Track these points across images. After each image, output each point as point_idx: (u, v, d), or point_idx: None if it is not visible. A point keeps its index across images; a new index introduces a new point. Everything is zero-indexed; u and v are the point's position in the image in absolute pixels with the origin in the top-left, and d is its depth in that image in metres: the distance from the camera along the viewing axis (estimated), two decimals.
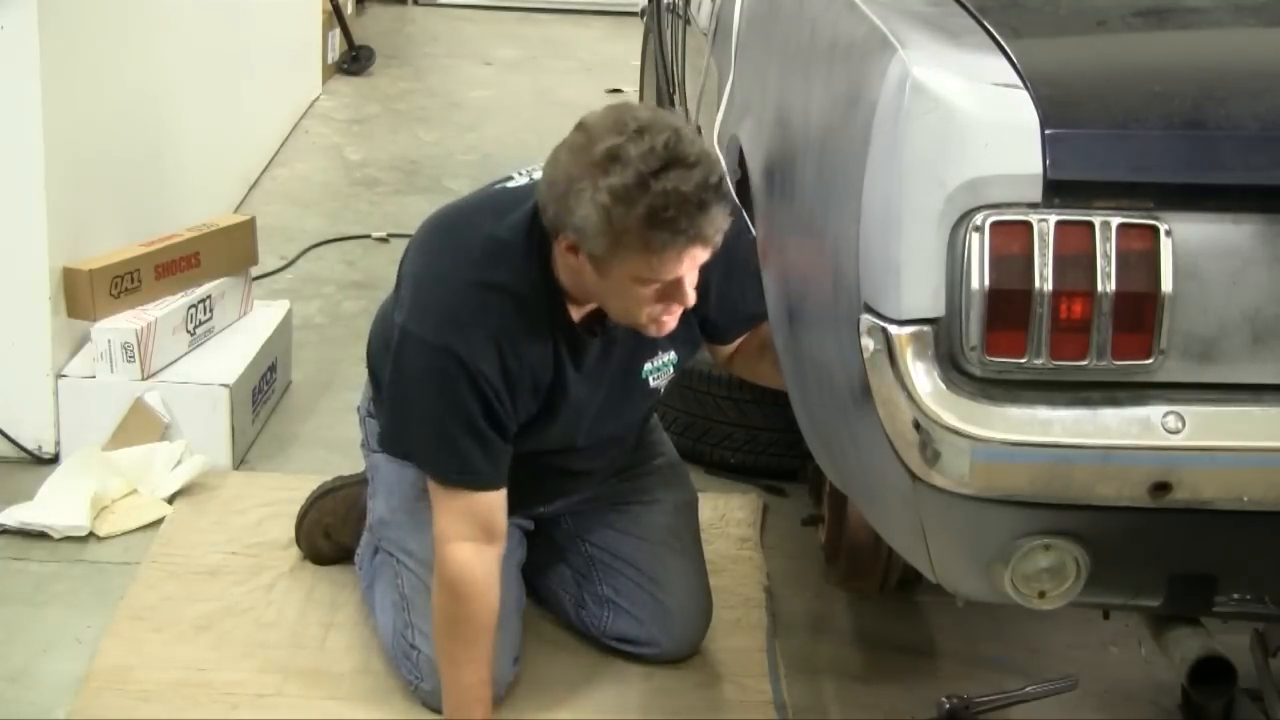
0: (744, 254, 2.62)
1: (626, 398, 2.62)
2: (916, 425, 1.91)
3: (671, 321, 2.41)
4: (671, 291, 2.33)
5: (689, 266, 2.31)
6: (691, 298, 2.35)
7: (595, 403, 2.56)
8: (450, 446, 2.43)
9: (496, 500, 2.47)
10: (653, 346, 2.58)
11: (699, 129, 3.27)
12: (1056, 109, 1.87)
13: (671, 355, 2.63)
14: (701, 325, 2.66)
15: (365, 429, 2.85)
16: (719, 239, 2.31)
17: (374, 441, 2.76)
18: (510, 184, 2.55)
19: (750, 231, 2.66)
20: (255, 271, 3.84)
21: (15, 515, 3.11)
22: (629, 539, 2.78)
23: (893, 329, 1.91)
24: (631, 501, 2.81)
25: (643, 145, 2.22)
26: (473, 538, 2.45)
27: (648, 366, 2.61)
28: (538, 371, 2.45)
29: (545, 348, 2.45)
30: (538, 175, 2.38)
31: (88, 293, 3.31)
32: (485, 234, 2.43)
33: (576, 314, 2.47)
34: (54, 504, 3.14)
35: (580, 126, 2.29)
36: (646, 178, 2.21)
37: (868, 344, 1.94)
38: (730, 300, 2.64)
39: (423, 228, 2.55)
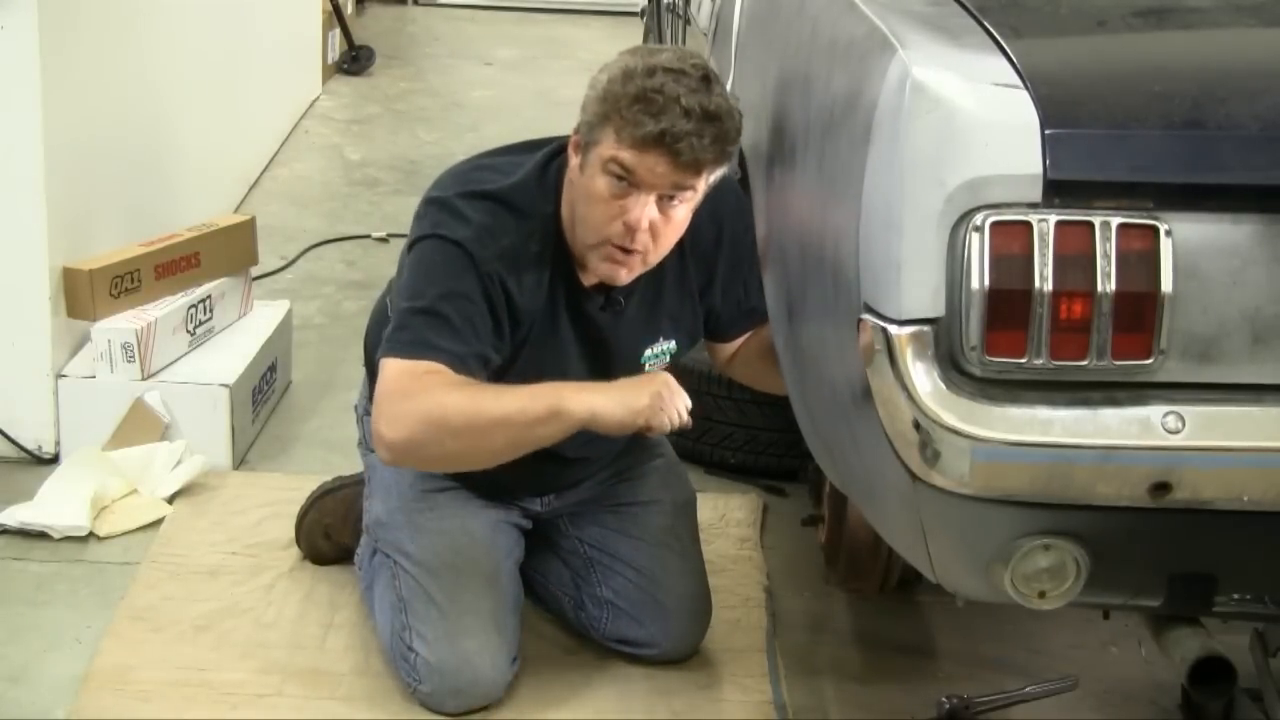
0: (750, 249, 2.62)
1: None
2: (916, 425, 1.91)
3: (625, 272, 2.42)
4: (632, 205, 2.34)
5: (653, 177, 2.32)
6: (644, 225, 2.35)
7: (589, 376, 2.53)
8: (436, 320, 2.37)
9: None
10: (655, 331, 2.59)
11: None
12: (1056, 109, 1.87)
13: (671, 344, 2.63)
14: (706, 317, 2.66)
15: (362, 428, 2.85)
16: (695, 183, 2.35)
17: (371, 440, 2.76)
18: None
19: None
20: (255, 271, 3.83)
21: (15, 515, 3.11)
22: (627, 540, 2.78)
23: (893, 329, 1.91)
24: (629, 502, 2.81)
25: (672, 60, 2.32)
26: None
27: (648, 353, 2.61)
28: (532, 302, 2.45)
29: (542, 278, 2.46)
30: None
31: (88, 293, 3.31)
32: (499, 183, 2.46)
33: (585, 280, 2.50)
34: (54, 504, 3.13)
35: None
36: (655, 69, 2.30)
37: (867, 344, 1.94)
38: (735, 292, 2.65)
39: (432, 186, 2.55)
